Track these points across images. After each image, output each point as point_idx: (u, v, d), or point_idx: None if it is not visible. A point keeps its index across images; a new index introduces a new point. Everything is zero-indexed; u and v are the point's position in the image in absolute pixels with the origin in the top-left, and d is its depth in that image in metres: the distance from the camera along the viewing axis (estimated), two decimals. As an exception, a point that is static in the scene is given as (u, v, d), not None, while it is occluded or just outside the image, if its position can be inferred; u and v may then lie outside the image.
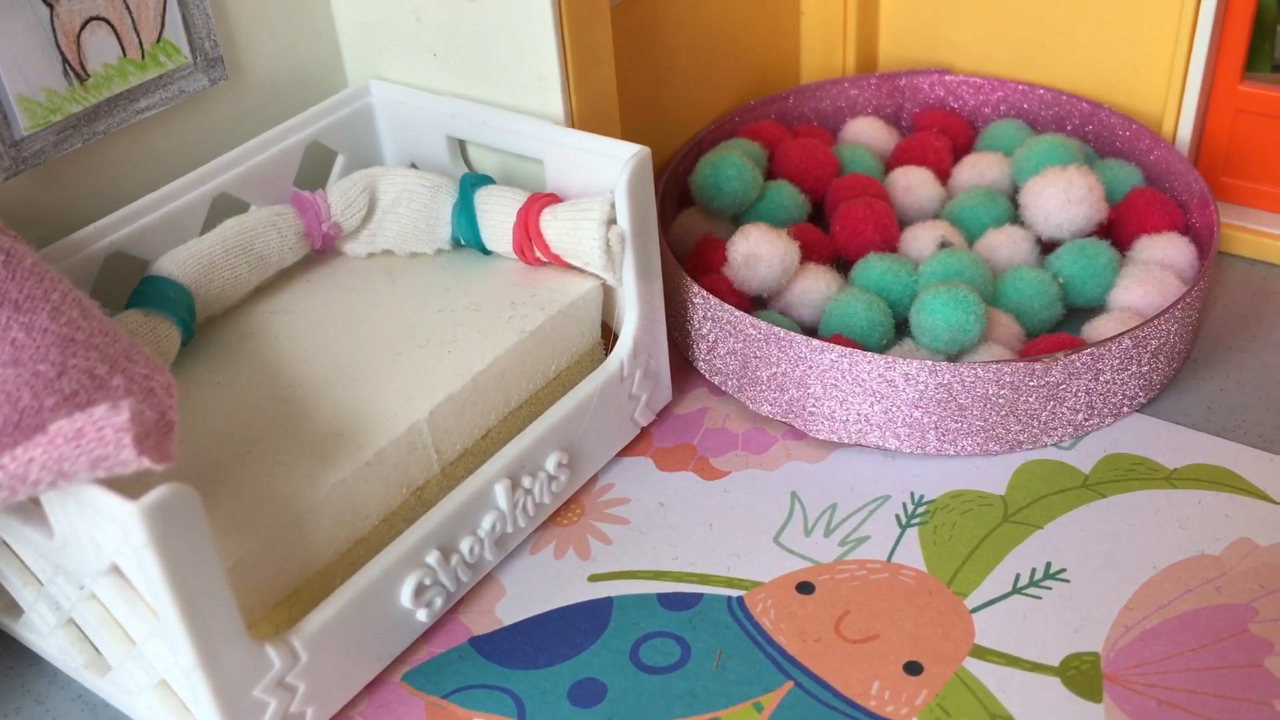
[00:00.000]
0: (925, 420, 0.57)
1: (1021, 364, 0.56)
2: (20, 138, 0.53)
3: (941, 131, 0.76)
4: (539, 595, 0.54)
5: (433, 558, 0.50)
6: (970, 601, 0.52)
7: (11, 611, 0.52)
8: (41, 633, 0.51)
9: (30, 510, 0.45)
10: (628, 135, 0.64)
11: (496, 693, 0.49)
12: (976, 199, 0.69)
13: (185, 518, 0.40)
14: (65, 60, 0.53)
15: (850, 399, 0.58)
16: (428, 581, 0.50)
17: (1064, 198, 0.66)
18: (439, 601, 0.51)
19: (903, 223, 0.71)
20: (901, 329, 0.64)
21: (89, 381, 0.40)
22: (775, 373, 0.59)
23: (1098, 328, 0.61)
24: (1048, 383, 0.57)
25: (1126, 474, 0.57)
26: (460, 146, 0.64)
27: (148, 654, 0.45)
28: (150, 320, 0.52)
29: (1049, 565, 0.53)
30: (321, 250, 0.60)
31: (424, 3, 0.61)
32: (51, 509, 0.42)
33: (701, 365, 0.64)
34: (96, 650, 0.50)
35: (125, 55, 0.56)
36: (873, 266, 0.65)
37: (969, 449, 0.58)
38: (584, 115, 0.60)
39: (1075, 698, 0.47)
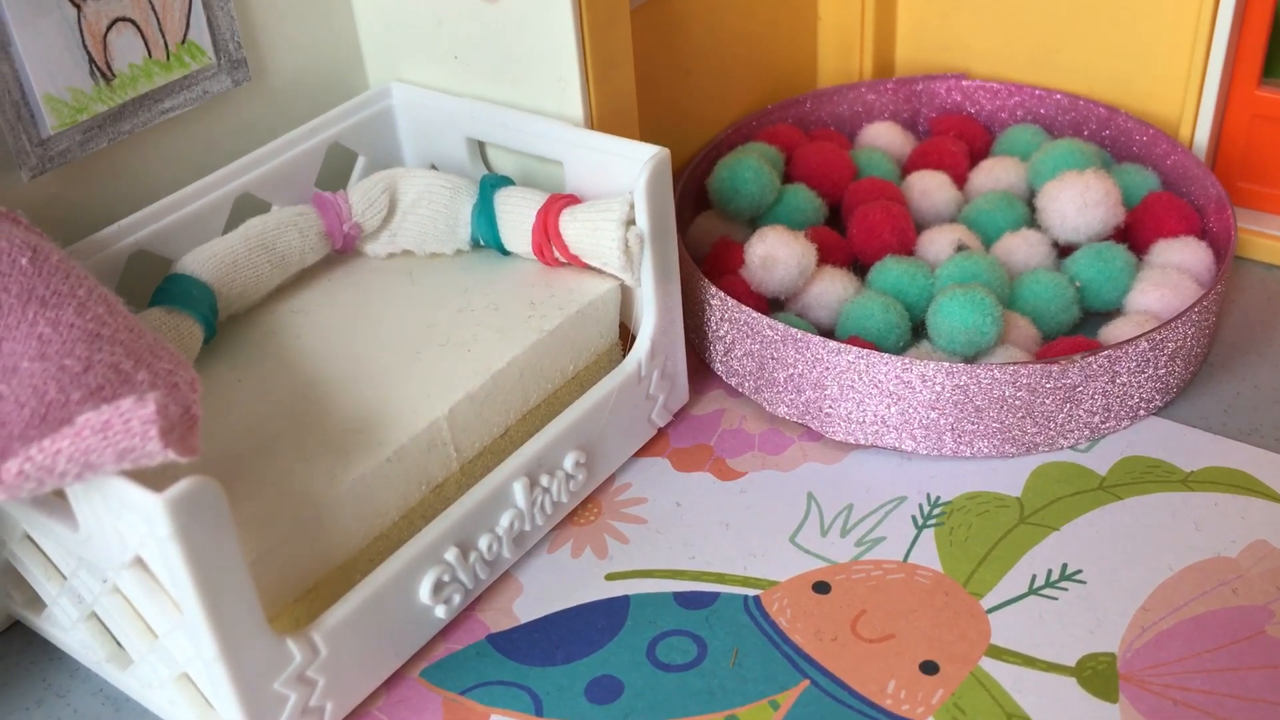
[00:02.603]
0: (942, 422, 0.57)
1: (1038, 366, 0.56)
2: (47, 136, 0.53)
3: (958, 136, 0.77)
4: (556, 593, 0.54)
5: (451, 555, 0.50)
6: (986, 602, 0.52)
7: (34, 606, 0.53)
8: (64, 626, 0.51)
9: (55, 503, 0.45)
10: (646, 138, 0.64)
11: (514, 689, 0.50)
12: (993, 203, 0.69)
13: (209, 510, 0.40)
14: (92, 60, 0.54)
15: (867, 400, 0.58)
16: (446, 578, 0.50)
17: (1081, 201, 0.66)
18: (457, 598, 0.51)
19: (919, 226, 0.71)
20: (918, 331, 0.64)
21: (114, 376, 0.41)
22: (792, 374, 0.59)
23: (1114, 331, 0.62)
24: (1064, 385, 0.57)
25: (1143, 476, 0.57)
26: (480, 148, 0.65)
27: (170, 647, 0.46)
28: (173, 318, 0.53)
29: (1065, 566, 0.53)
30: (342, 250, 0.60)
31: (444, 5, 0.62)
32: (77, 501, 0.43)
33: (718, 366, 0.64)
34: (118, 644, 0.50)
35: (151, 56, 0.56)
36: (889, 269, 0.65)
37: (985, 451, 0.58)
38: (603, 117, 0.61)
39: (1091, 698, 0.47)
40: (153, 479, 0.40)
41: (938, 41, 0.82)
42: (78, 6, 0.53)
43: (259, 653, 0.44)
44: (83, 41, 0.53)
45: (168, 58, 0.57)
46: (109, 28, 0.54)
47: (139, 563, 0.43)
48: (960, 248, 0.66)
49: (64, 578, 0.49)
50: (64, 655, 0.53)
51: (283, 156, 0.61)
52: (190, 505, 0.39)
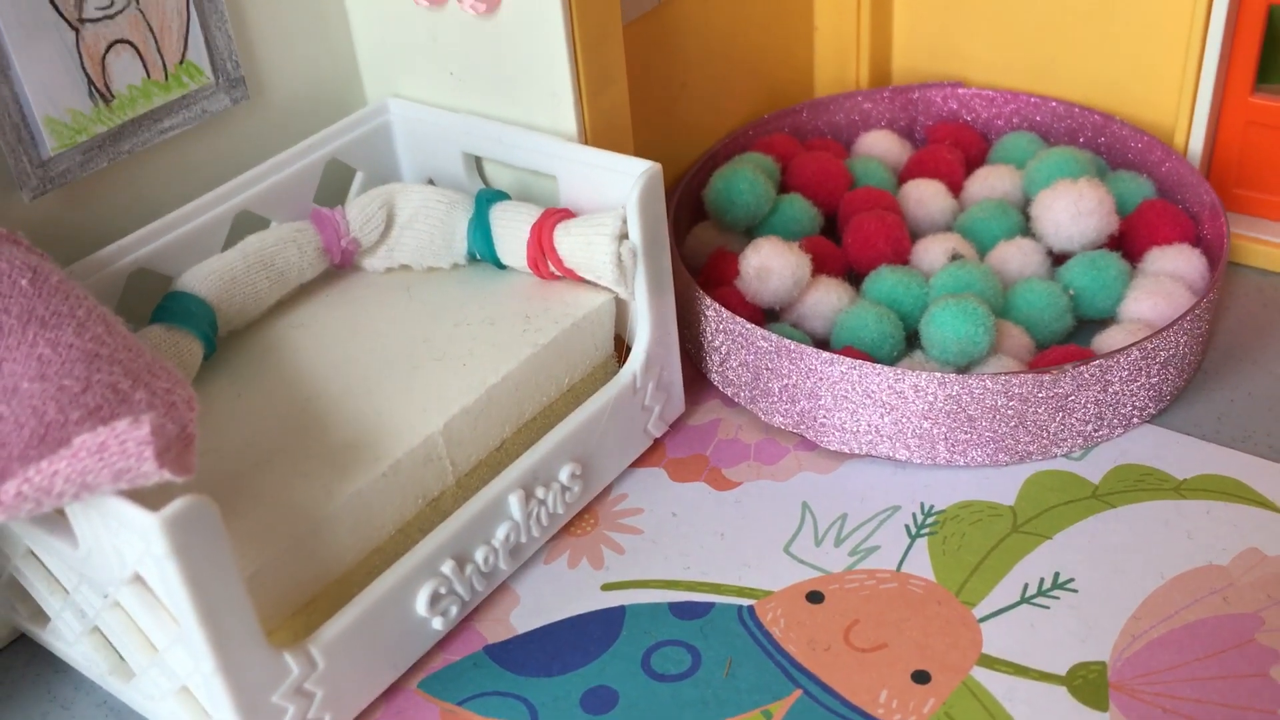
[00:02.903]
0: (935, 431, 0.58)
1: (1030, 375, 0.56)
2: (47, 158, 0.54)
3: (954, 144, 0.77)
4: (553, 604, 0.54)
5: (448, 567, 0.51)
6: (979, 611, 0.52)
7: (39, 619, 0.53)
8: (68, 640, 0.52)
9: (56, 521, 0.46)
10: (641, 150, 0.65)
11: (510, 700, 0.50)
12: (988, 211, 0.70)
13: (204, 529, 0.41)
14: (91, 82, 0.55)
15: (861, 410, 0.58)
16: (443, 590, 0.51)
17: (1074, 210, 0.66)
18: (454, 610, 0.52)
19: (914, 235, 0.71)
20: (913, 341, 0.64)
21: (112, 396, 0.41)
22: (787, 384, 0.60)
23: (1108, 339, 0.62)
24: (1057, 394, 0.57)
25: (1136, 485, 0.57)
26: (476, 163, 0.65)
27: (169, 661, 0.46)
28: (173, 335, 0.53)
29: (1057, 575, 0.53)
30: (340, 265, 0.61)
31: (440, 22, 0.62)
32: (76, 520, 0.44)
33: (714, 377, 0.64)
34: (120, 657, 0.51)
35: (149, 77, 0.57)
36: (884, 279, 0.65)
37: (979, 460, 0.59)
38: (597, 131, 0.61)
39: (1082, 707, 0.48)
40: (150, 497, 0.41)
41: (934, 50, 0.82)
42: (76, 29, 0.54)
43: (257, 666, 0.44)
44: (81, 64, 0.54)
45: (166, 78, 0.58)
46: (107, 50, 0.55)
47: (138, 579, 0.44)
48: (954, 257, 0.67)
49: (66, 592, 0.50)
50: (68, 668, 0.54)
51: (281, 173, 0.61)
52: (186, 524, 0.40)
